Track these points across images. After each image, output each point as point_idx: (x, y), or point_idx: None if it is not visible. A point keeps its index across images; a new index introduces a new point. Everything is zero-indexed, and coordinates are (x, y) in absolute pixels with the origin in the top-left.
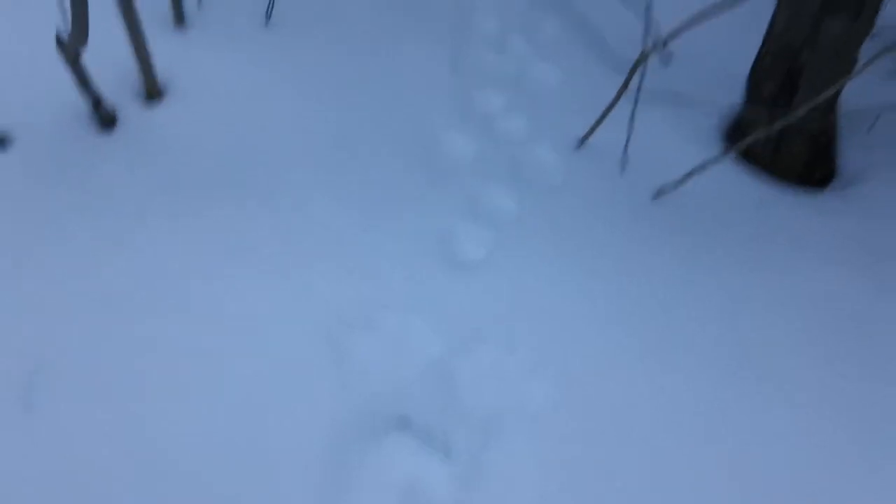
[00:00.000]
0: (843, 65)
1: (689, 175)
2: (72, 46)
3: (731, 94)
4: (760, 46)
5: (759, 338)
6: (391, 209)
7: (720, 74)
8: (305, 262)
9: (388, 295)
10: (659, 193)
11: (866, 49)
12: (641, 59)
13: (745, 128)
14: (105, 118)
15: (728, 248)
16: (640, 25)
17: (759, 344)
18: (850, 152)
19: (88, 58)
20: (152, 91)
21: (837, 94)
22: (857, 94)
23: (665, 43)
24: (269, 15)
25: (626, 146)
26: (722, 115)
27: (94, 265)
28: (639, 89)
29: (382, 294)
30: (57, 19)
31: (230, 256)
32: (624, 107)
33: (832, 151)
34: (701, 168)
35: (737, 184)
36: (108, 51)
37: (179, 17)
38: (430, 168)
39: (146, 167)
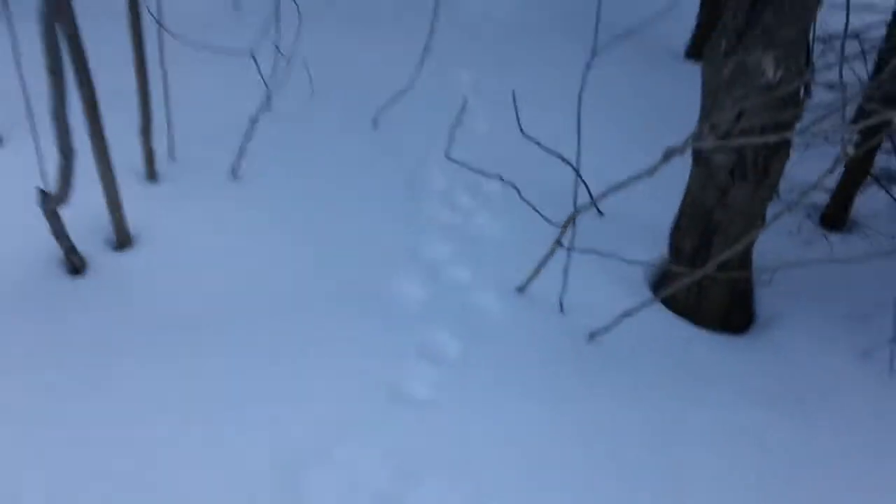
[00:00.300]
0: (752, 223)
1: (619, 319)
2: (54, 202)
3: (656, 247)
4: (679, 209)
5: (690, 466)
6: (346, 351)
7: (646, 230)
8: (263, 400)
9: (341, 431)
10: (593, 336)
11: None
12: (572, 218)
13: (670, 279)
14: (76, 264)
15: (658, 385)
16: (577, 185)
17: (690, 471)
18: (767, 300)
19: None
20: (123, 240)
21: (749, 249)
22: (770, 249)
23: (594, 203)
24: (235, 169)
25: (562, 293)
26: (648, 266)
27: (62, 405)
28: (571, 243)
29: (336, 430)
30: (34, 170)
31: (190, 397)
32: (561, 257)
33: (750, 300)
34: (630, 313)
35: (665, 328)
36: (81, 199)
37: (152, 172)
38: (382, 313)
39: (114, 312)
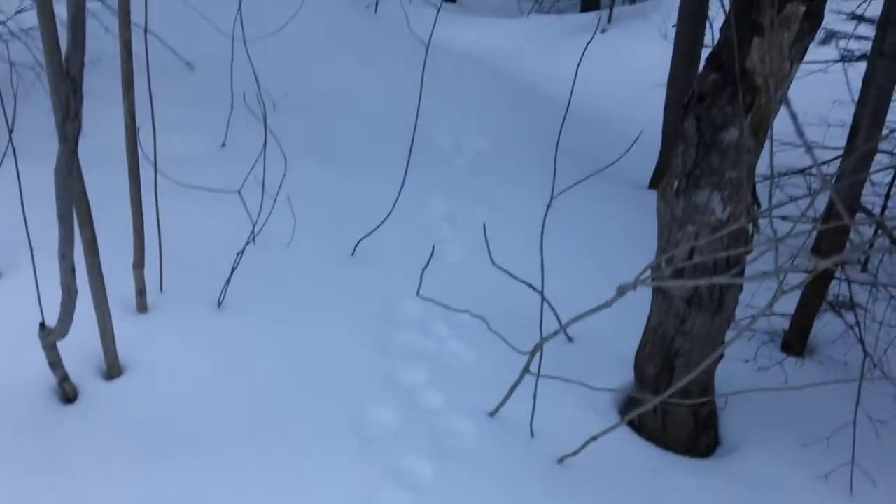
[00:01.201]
0: (711, 350)
1: (587, 443)
2: (54, 336)
3: (623, 370)
4: (642, 336)
5: None
6: (321, 477)
7: (614, 354)
8: None
9: None
10: (562, 460)
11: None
12: (538, 346)
13: (636, 403)
14: (69, 393)
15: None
16: (543, 313)
17: None
18: (731, 424)
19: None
20: (113, 369)
21: (710, 374)
22: (729, 375)
23: (563, 329)
24: (221, 300)
25: (531, 418)
26: (615, 391)
27: None
28: (539, 370)
29: None
30: (30, 301)
31: None
32: (531, 382)
33: (714, 425)
34: (597, 437)
35: (632, 452)
36: (74, 330)
37: (143, 304)
38: (358, 438)
39: (105, 440)
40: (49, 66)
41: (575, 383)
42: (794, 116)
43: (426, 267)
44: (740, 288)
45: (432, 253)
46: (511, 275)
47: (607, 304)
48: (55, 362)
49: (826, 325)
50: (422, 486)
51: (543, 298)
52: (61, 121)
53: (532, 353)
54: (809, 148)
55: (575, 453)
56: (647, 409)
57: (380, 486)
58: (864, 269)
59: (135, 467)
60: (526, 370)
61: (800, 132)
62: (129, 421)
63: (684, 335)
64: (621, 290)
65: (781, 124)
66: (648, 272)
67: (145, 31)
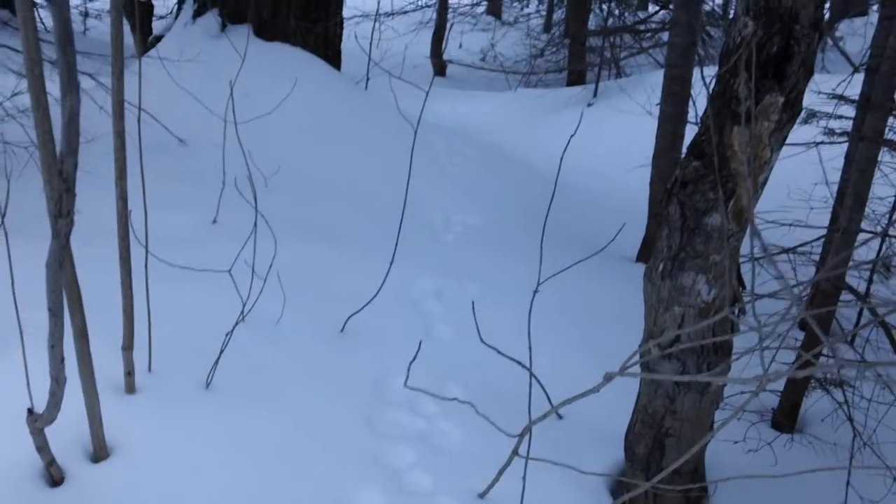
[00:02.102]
0: (701, 429)
1: None
2: (42, 422)
3: (613, 450)
4: (631, 415)
5: None
6: None
7: (604, 433)
8: None
9: None
10: None
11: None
12: (528, 428)
13: (627, 486)
14: (55, 477)
15: None
16: (531, 393)
17: None
18: None
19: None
20: (100, 451)
21: (701, 455)
22: (721, 455)
23: (554, 409)
24: (209, 381)
25: (521, 500)
26: (606, 475)
27: None
28: (528, 450)
29: None
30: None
31: None
32: (520, 464)
33: None
34: None
35: None
36: (62, 411)
37: (131, 386)
38: None
39: None
40: (43, 163)
41: (565, 466)
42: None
43: (413, 360)
44: (728, 368)
45: (419, 348)
46: (500, 352)
47: (595, 390)
48: (42, 447)
49: (816, 402)
50: None
51: (532, 376)
52: (53, 217)
53: (521, 436)
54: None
55: None
56: (638, 493)
57: None
58: (851, 345)
59: None
60: (515, 452)
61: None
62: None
63: (673, 415)
64: (608, 377)
65: (768, 202)
66: (636, 357)
67: (139, 110)
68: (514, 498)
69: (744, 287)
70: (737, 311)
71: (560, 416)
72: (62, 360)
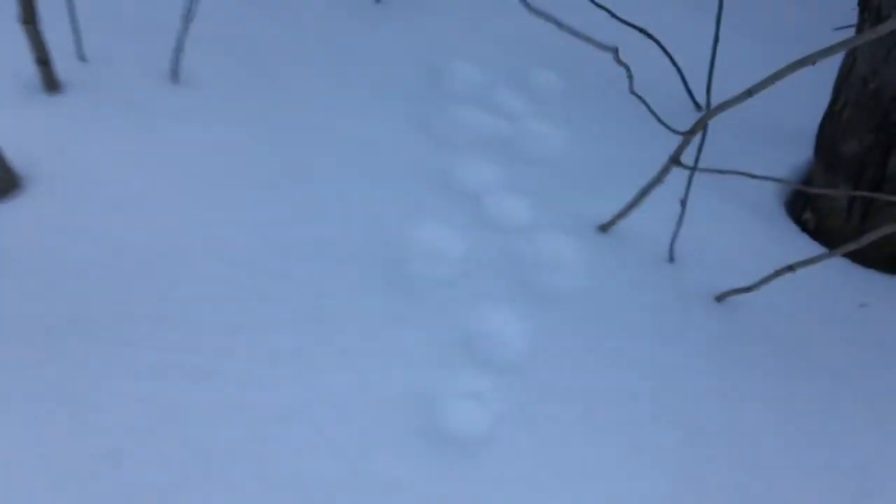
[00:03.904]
0: None
1: (771, 277)
2: None
3: (793, 154)
4: (833, 95)
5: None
6: (344, 360)
7: (777, 133)
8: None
9: (360, 485)
10: (722, 297)
11: None
12: (700, 124)
13: (814, 198)
14: None
15: (823, 359)
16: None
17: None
18: None
19: None
20: (5, 184)
21: None
22: None
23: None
24: (175, 71)
25: (675, 234)
26: (791, 183)
27: None
28: (696, 161)
29: (353, 481)
30: None
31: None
32: (669, 182)
33: None
34: (794, 267)
35: (829, 275)
36: None
37: (51, 81)
38: (396, 287)
39: None
40: None
41: (734, 174)
42: None
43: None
44: None
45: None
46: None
47: (808, 61)
48: None
49: None
50: (506, 368)
51: (671, 60)
52: None
53: (692, 132)
54: None
55: (749, 290)
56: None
57: (442, 372)
58: None
59: (28, 332)
60: (675, 160)
61: None
62: (25, 265)
63: None
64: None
65: None
66: None
67: None
68: (652, 231)
69: None
70: None
71: (697, 107)
72: None
